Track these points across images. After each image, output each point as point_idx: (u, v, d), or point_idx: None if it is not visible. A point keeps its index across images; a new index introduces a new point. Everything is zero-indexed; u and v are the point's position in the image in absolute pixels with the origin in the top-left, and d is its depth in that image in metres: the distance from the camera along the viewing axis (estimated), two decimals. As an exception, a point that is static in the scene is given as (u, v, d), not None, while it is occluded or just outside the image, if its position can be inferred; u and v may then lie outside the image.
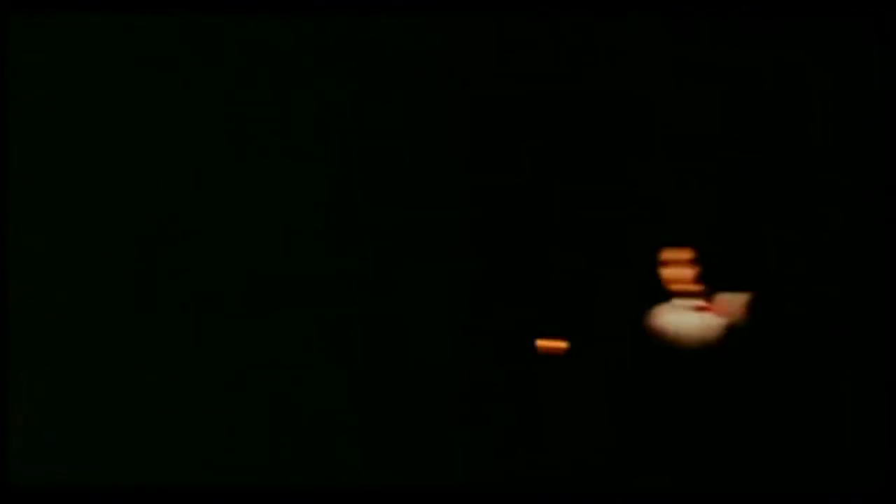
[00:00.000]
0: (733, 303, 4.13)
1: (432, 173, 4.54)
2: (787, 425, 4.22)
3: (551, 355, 4.33)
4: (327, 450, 4.43)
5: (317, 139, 4.55)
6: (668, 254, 4.22)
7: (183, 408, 4.47)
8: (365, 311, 4.49)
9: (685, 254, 4.16)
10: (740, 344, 4.13)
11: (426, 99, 4.53)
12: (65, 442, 4.47)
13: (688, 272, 4.16)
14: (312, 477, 4.40)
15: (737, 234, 4.37)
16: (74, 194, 4.54)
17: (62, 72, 4.56)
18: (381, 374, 4.44)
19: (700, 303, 4.20)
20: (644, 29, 4.45)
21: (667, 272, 4.21)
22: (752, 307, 4.13)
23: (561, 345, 4.31)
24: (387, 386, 4.43)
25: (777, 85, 4.42)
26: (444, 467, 4.39)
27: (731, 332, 4.12)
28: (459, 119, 4.55)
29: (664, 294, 4.28)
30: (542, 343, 4.32)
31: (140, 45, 4.55)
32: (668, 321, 4.22)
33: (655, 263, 4.28)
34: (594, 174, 4.51)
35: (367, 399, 4.43)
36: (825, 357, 4.29)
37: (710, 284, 4.19)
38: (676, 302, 4.24)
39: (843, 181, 4.37)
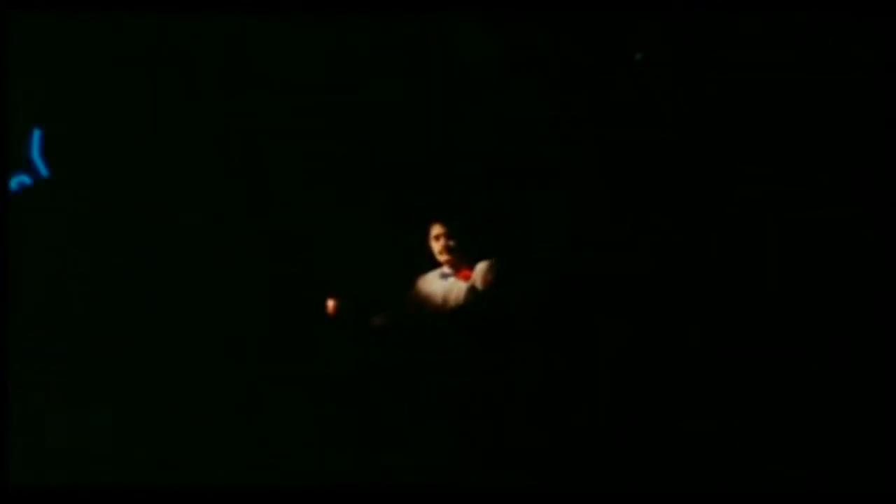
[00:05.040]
0: (476, 269, 4.58)
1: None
2: (789, 425, 4.37)
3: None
4: (323, 450, 4.47)
5: (319, 138, 4.61)
6: (435, 229, 4.64)
7: (183, 408, 4.49)
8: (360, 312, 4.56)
9: (440, 229, 4.61)
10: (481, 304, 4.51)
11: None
12: (65, 442, 4.47)
13: (439, 245, 4.62)
14: (311, 477, 4.44)
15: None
16: (74, 192, 4.56)
17: (62, 71, 4.56)
18: (372, 373, 4.49)
19: (447, 270, 4.64)
20: (647, 27, 4.55)
21: (434, 245, 4.64)
22: (495, 273, 4.53)
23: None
24: (377, 385, 4.48)
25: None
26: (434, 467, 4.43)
27: (473, 294, 4.53)
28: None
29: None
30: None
31: (140, 45, 4.57)
32: (422, 287, 4.67)
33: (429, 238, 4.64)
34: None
35: (360, 398, 4.47)
36: (827, 356, 4.40)
37: (460, 255, 4.60)
38: (435, 271, 4.67)
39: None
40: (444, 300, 4.59)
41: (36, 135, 4.53)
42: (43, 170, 4.55)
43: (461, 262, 4.64)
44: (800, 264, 4.50)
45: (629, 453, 4.48)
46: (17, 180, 4.55)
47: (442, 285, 4.64)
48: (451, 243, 4.61)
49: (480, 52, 4.68)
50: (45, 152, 4.58)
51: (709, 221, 4.59)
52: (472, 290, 4.56)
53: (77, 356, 4.55)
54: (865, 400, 4.40)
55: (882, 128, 4.45)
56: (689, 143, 4.62)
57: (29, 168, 4.57)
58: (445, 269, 4.66)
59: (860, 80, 4.47)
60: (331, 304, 4.60)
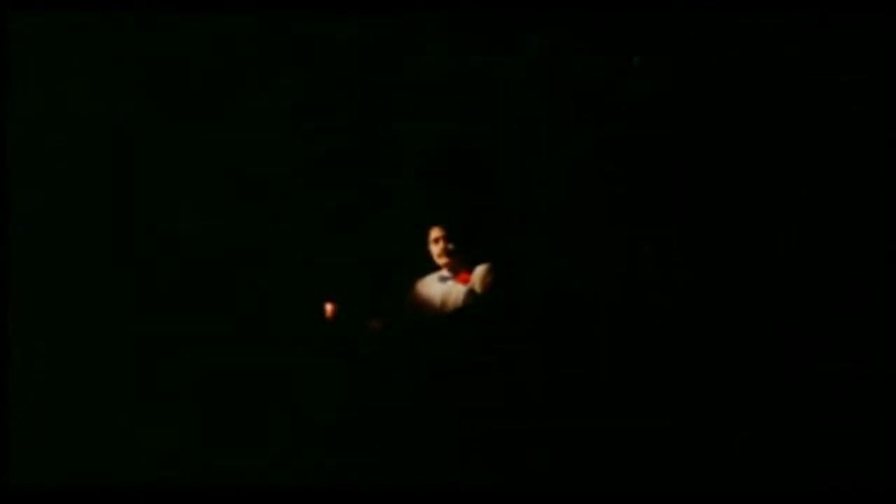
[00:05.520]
0: (475, 273, 4.60)
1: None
2: (788, 425, 4.40)
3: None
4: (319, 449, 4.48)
5: (317, 139, 4.63)
6: (434, 232, 4.64)
7: (183, 409, 4.51)
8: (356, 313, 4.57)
9: (439, 232, 4.62)
10: (482, 308, 4.51)
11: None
12: (64, 442, 4.48)
13: (438, 248, 4.63)
14: (312, 478, 4.44)
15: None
16: (73, 192, 4.56)
17: (62, 71, 4.57)
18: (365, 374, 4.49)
19: (446, 273, 4.66)
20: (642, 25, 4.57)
21: (433, 249, 4.65)
22: (495, 276, 4.53)
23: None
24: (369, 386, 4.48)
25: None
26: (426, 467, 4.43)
27: (472, 298, 4.54)
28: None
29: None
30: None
31: (140, 45, 4.59)
32: (420, 291, 4.69)
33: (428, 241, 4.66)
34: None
35: (358, 400, 4.48)
36: (828, 354, 4.43)
37: (459, 259, 4.61)
38: (434, 274, 4.69)
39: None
40: (443, 303, 4.59)
41: None
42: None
43: (460, 265, 4.64)
44: (798, 264, 4.55)
45: (630, 454, 4.50)
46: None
47: (441, 288, 4.65)
48: (450, 246, 4.60)
49: (481, 53, 4.68)
50: (45, 153, 4.61)
51: (708, 222, 4.62)
52: (471, 293, 4.56)
53: (76, 356, 4.59)
54: (865, 400, 4.46)
55: (882, 128, 4.49)
56: (689, 143, 4.62)
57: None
58: (444, 273, 4.67)
59: (860, 81, 4.52)
60: (329, 307, 4.60)
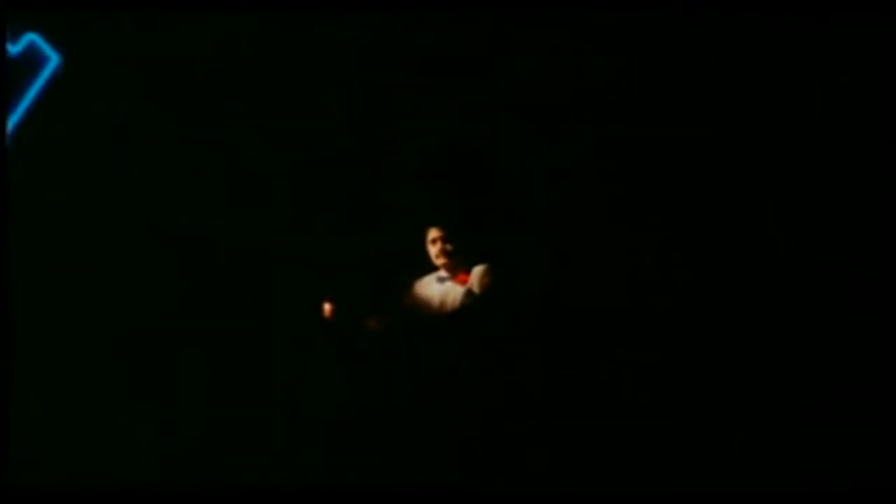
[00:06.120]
0: (474, 273, 4.61)
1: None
2: (788, 424, 4.40)
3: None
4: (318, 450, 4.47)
5: (316, 139, 4.64)
6: (433, 233, 4.59)
7: (184, 410, 4.52)
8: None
9: (437, 232, 4.57)
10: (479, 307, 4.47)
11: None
12: (65, 442, 4.50)
13: (436, 248, 4.59)
14: (312, 478, 4.43)
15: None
16: (74, 192, 4.61)
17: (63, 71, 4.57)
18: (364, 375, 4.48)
19: (444, 274, 4.62)
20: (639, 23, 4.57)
21: (431, 249, 4.61)
22: (492, 277, 4.49)
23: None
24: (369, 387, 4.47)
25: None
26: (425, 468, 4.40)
27: (470, 298, 4.49)
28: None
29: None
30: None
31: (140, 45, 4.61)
32: (419, 291, 4.69)
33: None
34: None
35: (357, 401, 4.46)
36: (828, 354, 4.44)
37: (457, 259, 4.56)
38: (432, 275, 4.65)
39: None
40: (442, 304, 4.58)
41: None
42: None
43: (458, 265, 4.62)
44: (798, 264, 4.54)
45: (630, 454, 4.50)
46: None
47: (439, 289, 4.63)
48: (449, 247, 4.59)
49: (481, 54, 4.68)
50: (45, 153, 4.62)
51: (708, 222, 4.61)
52: (469, 293, 4.55)
53: (77, 358, 4.61)
54: (865, 400, 4.46)
55: (882, 128, 4.49)
56: (688, 143, 4.62)
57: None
58: (442, 273, 4.65)
59: (860, 81, 4.53)
60: (327, 307, 4.60)
